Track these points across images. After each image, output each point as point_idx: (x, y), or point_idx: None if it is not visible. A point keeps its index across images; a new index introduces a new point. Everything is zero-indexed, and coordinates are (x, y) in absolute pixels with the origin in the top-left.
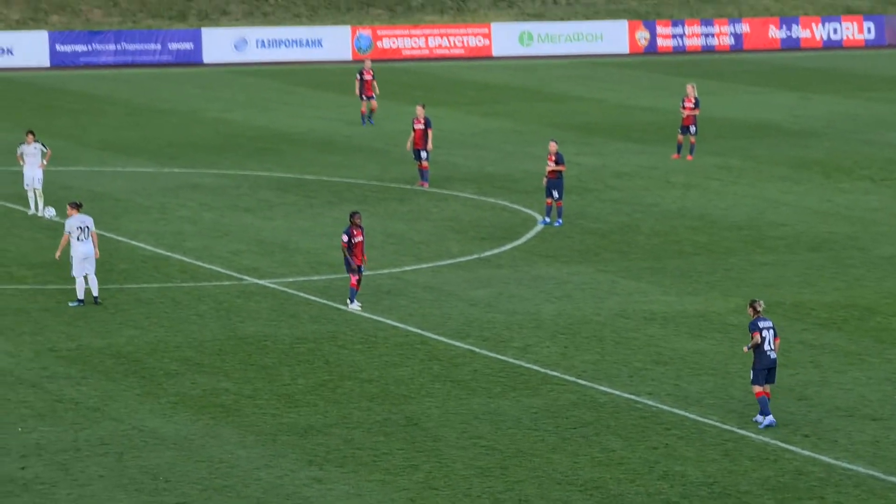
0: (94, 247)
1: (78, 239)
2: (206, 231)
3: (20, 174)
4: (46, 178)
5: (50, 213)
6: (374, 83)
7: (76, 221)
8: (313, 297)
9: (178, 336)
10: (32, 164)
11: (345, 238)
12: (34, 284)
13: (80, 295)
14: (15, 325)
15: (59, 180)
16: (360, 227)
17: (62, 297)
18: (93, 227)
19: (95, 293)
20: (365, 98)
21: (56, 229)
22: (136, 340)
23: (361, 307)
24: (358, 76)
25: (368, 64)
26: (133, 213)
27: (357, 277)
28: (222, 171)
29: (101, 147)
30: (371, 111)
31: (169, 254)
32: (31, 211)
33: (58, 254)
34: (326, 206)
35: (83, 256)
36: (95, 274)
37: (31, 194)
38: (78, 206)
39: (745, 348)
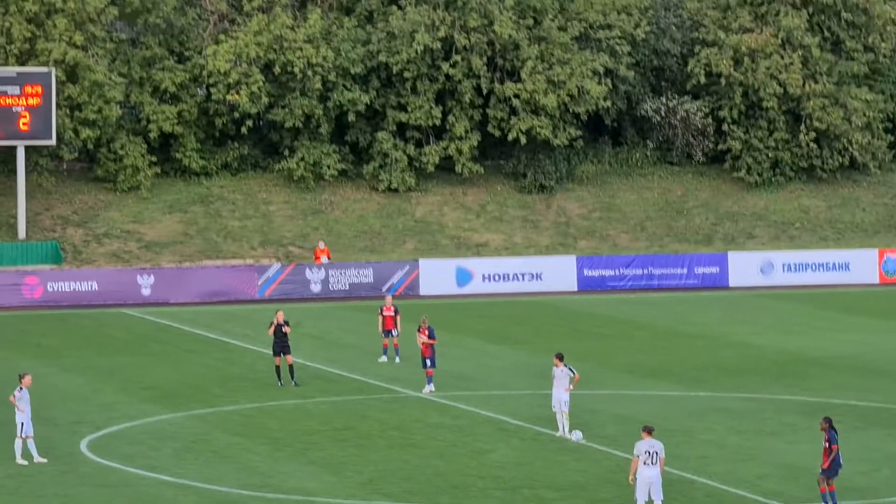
0: (661, 472)
1: (644, 463)
2: (732, 455)
3: (548, 397)
4: (573, 402)
5: (577, 436)
6: None
7: (645, 446)
8: None
9: None
10: (559, 386)
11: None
12: None
13: None
14: None
15: (585, 403)
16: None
17: None
18: (662, 454)
19: None
20: None
21: (582, 451)
22: None
23: None
24: None
25: None
26: (658, 437)
27: None
28: (748, 394)
29: (626, 370)
30: None
31: (694, 477)
32: (559, 433)
33: (630, 477)
34: (852, 430)
35: (648, 482)
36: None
37: (558, 416)
38: (650, 431)
39: None
